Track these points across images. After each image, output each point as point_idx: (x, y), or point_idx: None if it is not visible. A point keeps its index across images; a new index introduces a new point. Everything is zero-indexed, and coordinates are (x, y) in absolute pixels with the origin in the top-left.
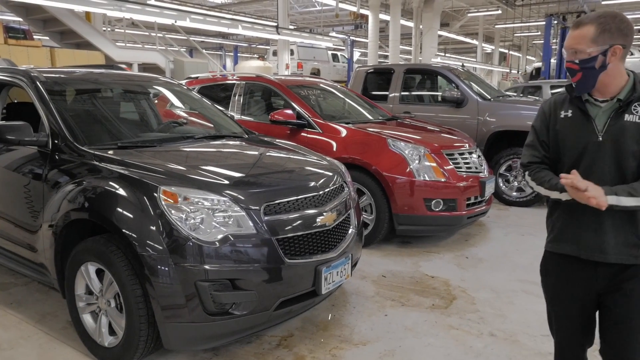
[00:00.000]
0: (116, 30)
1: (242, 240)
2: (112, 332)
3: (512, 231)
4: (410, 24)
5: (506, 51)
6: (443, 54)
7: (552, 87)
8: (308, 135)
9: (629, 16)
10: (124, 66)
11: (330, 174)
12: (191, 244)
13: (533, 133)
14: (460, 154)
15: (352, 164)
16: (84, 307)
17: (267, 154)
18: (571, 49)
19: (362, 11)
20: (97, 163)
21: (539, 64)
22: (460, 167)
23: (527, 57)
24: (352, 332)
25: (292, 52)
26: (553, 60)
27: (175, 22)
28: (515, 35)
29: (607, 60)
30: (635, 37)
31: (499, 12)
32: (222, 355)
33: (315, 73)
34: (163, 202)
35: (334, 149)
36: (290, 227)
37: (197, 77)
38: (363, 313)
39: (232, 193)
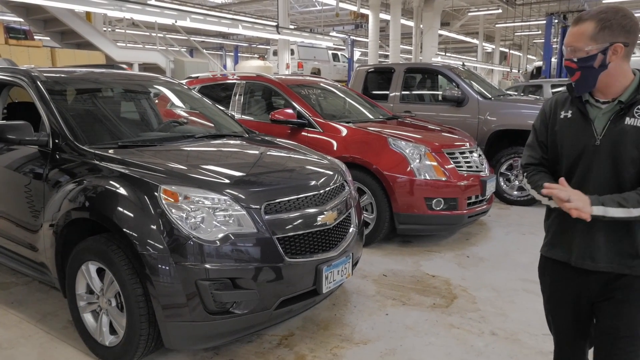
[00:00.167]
0: (117, 30)
1: (242, 239)
2: (113, 331)
3: (513, 230)
4: (411, 23)
5: (507, 50)
6: (443, 54)
7: (553, 86)
8: (309, 135)
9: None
10: (124, 66)
11: (331, 173)
12: (192, 243)
13: (533, 133)
14: (461, 153)
15: (353, 163)
16: (85, 306)
17: (268, 153)
18: (569, 47)
19: (363, 11)
20: (97, 162)
21: (539, 63)
22: (461, 166)
23: (528, 56)
24: (353, 331)
25: (292, 52)
26: (554, 59)
27: (176, 22)
28: (515, 34)
29: (607, 60)
30: None
31: (500, 11)
32: (222, 355)
33: (316, 73)
34: (164, 201)
35: (335, 148)
36: (290, 226)
37: (197, 77)
38: (364, 312)
39: (232, 192)
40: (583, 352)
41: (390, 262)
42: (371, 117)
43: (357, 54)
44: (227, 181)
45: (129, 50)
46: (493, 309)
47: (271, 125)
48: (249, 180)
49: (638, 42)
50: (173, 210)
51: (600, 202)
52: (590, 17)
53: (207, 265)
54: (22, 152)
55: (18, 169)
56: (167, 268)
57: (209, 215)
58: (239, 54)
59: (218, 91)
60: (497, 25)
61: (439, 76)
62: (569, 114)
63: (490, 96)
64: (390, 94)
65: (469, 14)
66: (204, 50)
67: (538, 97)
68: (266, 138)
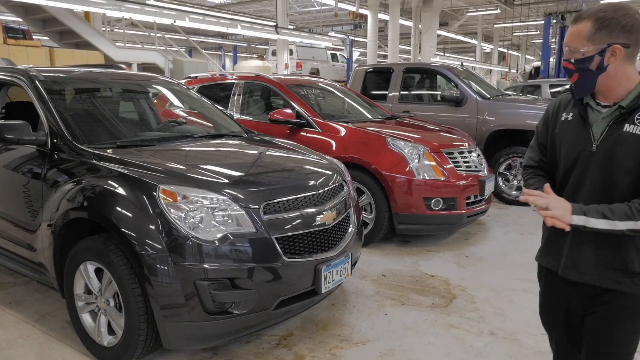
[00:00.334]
0: (115, 30)
1: (241, 239)
2: (111, 331)
3: (511, 230)
4: (410, 23)
5: (505, 50)
6: (442, 54)
7: (551, 87)
8: (307, 135)
9: None
10: (123, 66)
11: (330, 172)
12: (190, 243)
13: (535, 134)
14: (460, 153)
15: (352, 163)
16: (83, 306)
17: (267, 153)
18: (567, 47)
19: (361, 11)
20: (96, 162)
21: (538, 63)
22: (459, 166)
23: (526, 56)
24: (352, 331)
25: (291, 52)
26: (552, 60)
27: (175, 22)
28: (514, 34)
29: (605, 62)
30: None
31: (498, 11)
32: (221, 355)
33: (315, 73)
34: (162, 201)
35: (334, 148)
36: (289, 226)
37: (196, 77)
38: (363, 312)
39: (231, 192)
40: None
41: (389, 262)
42: (370, 117)
43: (355, 54)
44: (226, 181)
45: (128, 50)
46: (492, 308)
47: (270, 125)
48: (248, 180)
49: None
50: (172, 210)
51: (582, 212)
52: (588, 16)
53: (206, 265)
54: (21, 151)
55: (16, 168)
56: (166, 268)
57: (207, 215)
58: (237, 54)
59: (217, 91)
60: (495, 26)
61: (438, 76)
62: (570, 117)
63: (488, 96)
64: (389, 94)
65: (468, 14)
66: (203, 50)
67: (536, 97)
68: (265, 138)
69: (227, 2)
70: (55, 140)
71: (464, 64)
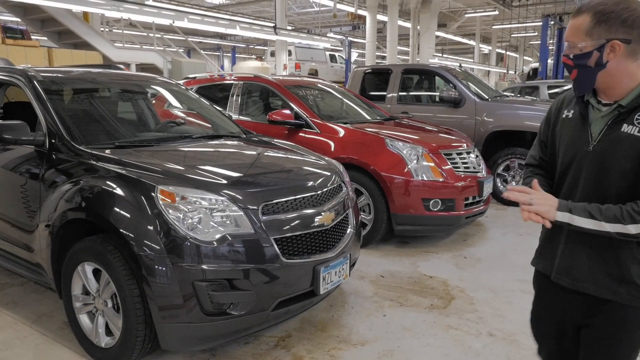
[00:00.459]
0: (114, 30)
1: (240, 240)
2: (109, 332)
3: (510, 231)
4: (408, 24)
5: (503, 52)
6: (440, 55)
7: (550, 88)
8: (306, 136)
9: None
10: (121, 66)
11: (329, 173)
12: (189, 243)
13: (538, 131)
14: (458, 154)
15: (350, 164)
16: (81, 307)
17: (265, 153)
18: (567, 42)
19: (360, 12)
20: (94, 162)
21: (536, 65)
22: (458, 167)
23: (525, 57)
24: (350, 332)
25: (289, 53)
26: (550, 61)
27: (173, 22)
28: (512, 35)
29: (603, 58)
30: None
31: (496, 12)
32: (219, 356)
33: (313, 73)
34: (161, 202)
35: (332, 149)
36: (288, 226)
37: (195, 78)
38: (361, 313)
39: (230, 193)
40: None
41: (388, 263)
42: (368, 118)
43: (354, 55)
44: (224, 182)
45: (127, 51)
46: (491, 309)
47: (269, 126)
48: (247, 181)
49: None
50: (170, 211)
51: (568, 209)
52: (587, 10)
53: (204, 266)
54: (19, 152)
55: (14, 169)
56: (164, 269)
57: (206, 215)
58: (236, 55)
59: (215, 92)
60: (493, 27)
61: (436, 77)
62: (570, 114)
63: (487, 97)
64: (388, 95)
65: (466, 15)
66: (202, 51)
67: (534, 98)
68: (264, 139)
69: (225, 2)
70: (53, 141)
71: (462, 65)
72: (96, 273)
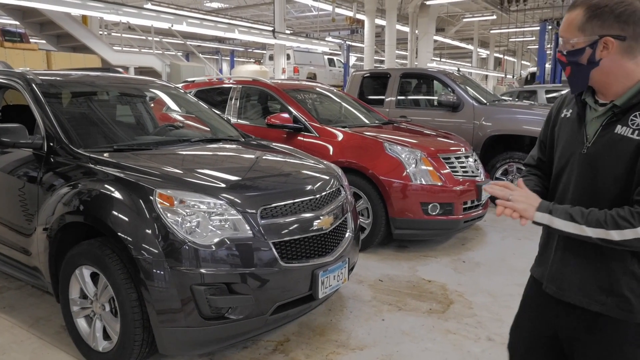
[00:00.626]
0: (113, 34)
1: (238, 243)
2: (106, 336)
3: (509, 235)
4: (406, 29)
5: (501, 56)
6: (439, 59)
7: (547, 92)
8: (305, 139)
9: None
10: (120, 70)
11: (327, 177)
12: (187, 247)
13: (540, 131)
14: (457, 158)
15: (349, 167)
16: (78, 311)
17: (264, 157)
18: (560, 37)
19: (358, 16)
20: (92, 166)
21: (533, 69)
22: (456, 171)
23: (522, 62)
24: (349, 336)
25: (288, 57)
26: (548, 65)
27: (172, 26)
28: (510, 40)
29: (596, 56)
30: None
31: (494, 17)
32: None
33: (312, 77)
34: (159, 205)
35: (331, 153)
36: (286, 230)
37: (193, 81)
38: (360, 317)
39: (228, 196)
40: None
41: (386, 267)
42: (367, 121)
43: (352, 59)
44: (223, 185)
45: (125, 54)
46: (489, 314)
47: (267, 130)
48: (245, 185)
49: None
50: (168, 215)
51: (548, 210)
52: (581, 3)
53: (203, 270)
54: (17, 155)
55: (12, 172)
56: (162, 273)
57: (204, 219)
58: (235, 59)
59: (214, 95)
60: (491, 31)
61: (435, 81)
62: (569, 114)
63: (485, 101)
64: (386, 99)
65: (464, 19)
66: (200, 55)
67: (532, 102)
68: (262, 142)
69: (224, 6)
70: (51, 144)
71: (460, 69)
72: (94, 277)
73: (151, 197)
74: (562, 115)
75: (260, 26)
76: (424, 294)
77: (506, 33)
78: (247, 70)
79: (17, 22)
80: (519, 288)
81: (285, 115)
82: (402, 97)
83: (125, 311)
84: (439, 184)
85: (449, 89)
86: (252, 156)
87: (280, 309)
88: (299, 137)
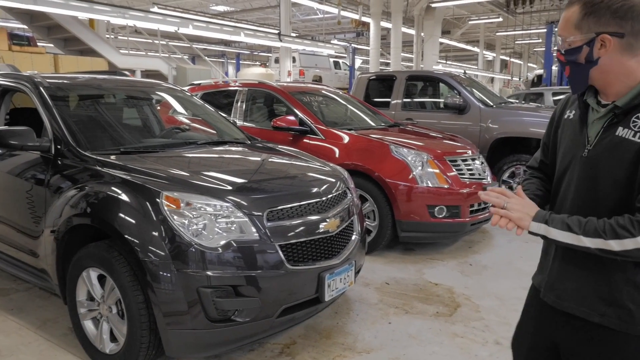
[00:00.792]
0: (119, 37)
1: (244, 246)
2: (113, 338)
3: (516, 238)
4: (412, 31)
5: (507, 58)
6: (444, 62)
7: (554, 94)
8: (310, 142)
9: None
10: (127, 73)
11: (333, 180)
12: (193, 249)
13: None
14: (463, 161)
15: (355, 170)
16: (85, 313)
17: (270, 160)
18: (558, 36)
19: (364, 19)
20: (99, 168)
21: (540, 71)
22: (463, 174)
23: (529, 64)
24: (355, 340)
25: (294, 60)
26: (554, 67)
27: (178, 29)
28: (516, 42)
29: (594, 54)
30: None
31: (500, 19)
32: None
33: (317, 80)
34: (165, 208)
35: (337, 156)
36: (293, 233)
37: (199, 84)
38: (366, 321)
39: (234, 199)
40: None
41: (393, 270)
42: (373, 124)
43: (358, 62)
44: (229, 188)
45: (132, 57)
46: (497, 317)
47: (273, 132)
48: (251, 187)
49: None
50: (175, 217)
51: (545, 220)
52: (577, 0)
53: (209, 273)
54: (24, 157)
55: (20, 174)
56: (169, 275)
57: (210, 222)
58: (240, 62)
59: (220, 98)
60: (497, 34)
61: (441, 84)
62: (572, 115)
63: (492, 104)
64: (392, 102)
65: (470, 22)
66: (206, 58)
67: (539, 105)
68: (268, 145)
69: (230, 10)
70: (59, 147)
71: (466, 71)
72: (101, 279)
73: (158, 200)
74: (565, 116)
75: (266, 29)
76: (430, 297)
77: (512, 35)
78: (253, 73)
79: (25, 26)
80: (527, 292)
81: (291, 117)
82: (408, 100)
83: (132, 313)
84: (446, 186)
85: (455, 92)
86: (258, 159)
87: (286, 311)
88: (304, 140)
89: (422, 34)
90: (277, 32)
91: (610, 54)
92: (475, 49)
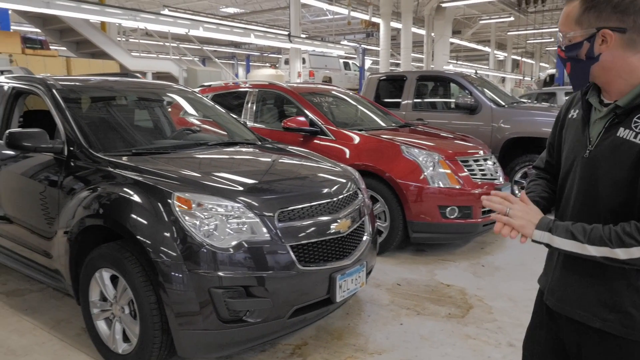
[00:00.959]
0: (131, 40)
1: (256, 246)
2: (126, 339)
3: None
4: (422, 31)
5: (519, 58)
6: (455, 62)
7: (567, 94)
8: (321, 143)
9: None
10: (138, 75)
11: (344, 180)
12: (205, 250)
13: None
14: (475, 161)
15: (366, 170)
16: (98, 313)
17: (281, 160)
18: (559, 32)
19: (374, 19)
20: (111, 169)
21: (552, 71)
22: (475, 174)
23: (541, 64)
24: (367, 341)
25: (303, 61)
26: None
27: (189, 31)
28: (528, 42)
29: (594, 50)
30: None
31: (512, 19)
32: None
33: (327, 81)
34: (177, 209)
35: (347, 156)
36: (304, 233)
37: (210, 85)
38: (378, 322)
39: (246, 199)
40: None
41: (404, 271)
42: (383, 124)
43: (368, 63)
44: (240, 188)
45: (143, 60)
46: (510, 319)
47: (283, 133)
48: (262, 188)
49: None
50: (186, 218)
51: (548, 228)
52: None
53: (221, 273)
54: (38, 159)
55: (33, 176)
56: (181, 275)
57: (222, 222)
58: (250, 63)
59: (230, 99)
60: (509, 33)
61: (452, 84)
62: (575, 115)
63: (503, 104)
64: (403, 102)
65: (481, 22)
66: (217, 60)
67: (551, 104)
68: (279, 146)
69: (240, 11)
70: (71, 148)
71: (477, 71)
72: (113, 279)
73: (169, 201)
74: (570, 116)
75: (276, 30)
76: (442, 299)
77: (524, 35)
78: (263, 74)
79: (38, 30)
80: None
81: (302, 118)
82: (419, 100)
83: (144, 314)
84: (457, 187)
85: (467, 92)
86: (269, 159)
87: (298, 312)
88: (315, 141)
89: (433, 34)
90: (287, 33)
91: (611, 50)
92: (487, 49)
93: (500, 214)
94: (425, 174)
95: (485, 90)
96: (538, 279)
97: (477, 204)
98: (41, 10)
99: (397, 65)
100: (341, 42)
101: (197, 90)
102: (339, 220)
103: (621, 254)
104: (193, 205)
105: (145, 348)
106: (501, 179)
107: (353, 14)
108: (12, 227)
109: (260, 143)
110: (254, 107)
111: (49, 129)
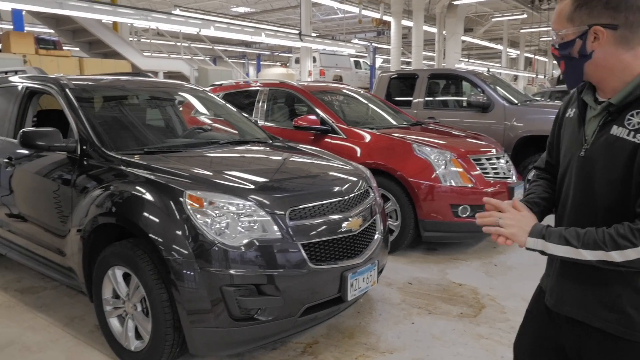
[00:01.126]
0: (142, 40)
1: (267, 245)
2: (138, 336)
3: None
4: (433, 29)
5: (532, 56)
6: (467, 60)
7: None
8: (332, 141)
9: None
10: (150, 74)
11: (355, 179)
12: (217, 248)
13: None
14: (488, 159)
15: (377, 169)
16: (111, 311)
17: (292, 159)
18: (552, 30)
19: (385, 17)
20: (124, 168)
21: None
22: (487, 173)
23: (554, 61)
24: (378, 339)
25: (314, 60)
26: None
27: (200, 31)
28: (541, 39)
29: (587, 47)
30: None
31: (524, 16)
32: None
33: (338, 80)
34: (189, 207)
35: (358, 155)
36: (315, 232)
37: (221, 84)
38: (389, 321)
39: (257, 198)
40: None
41: (416, 269)
42: (395, 123)
43: (378, 61)
44: (251, 187)
45: (155, 59)
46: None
47: (294, 132)
48: (274, 186)
49: None
50: (198, 216)
51: (541, 235)
52: None
53: (232, 271)
54: (51, 158)
55: (47, 175)
56: (192, 273)
57: (233, 220)
58: (261, 62)
59: (241, 98)
60: (521, 31)
61: (463, 82)
62: (572, 113)
63: (516, 102)
64: (414, 100)
65: (493, 19)
66: (227, 59)
67: None
68: (289, 144)
69: (251, 11)
70: (84, 147)
71: (490, 69)
72: (126, 277)
73: (181, 199)
74: (567, 114)
75: (287, 29)
76: (454, 298)
77: (537, 32)
78: (274, 73)
79: (52, 30)
80: None
81: (313, 117)
82: (430, 98)
83: (156, 311)
84: (470, 185)
85: (479, 89)
86: (280, 158)
87: (309, 310)
88: (326, 139)
89: (444, 32)
90: (297, 32)
91: (604, 47)
92: (499, 47)
93: (491, 225)
94: (437, 172)
95: (498, 88)
96: (541, 278)
97: None
98: (54, 10)
99: (408, 63)
100: (352, 41)
101: (208, 89)
102: (350, 219)
103: (617, 256)
104: (205, 204)
105: (158, 345)
106: (514, 178)
107: (364, 12)
108: (26, 225)
109: (271, 141)
110: (265, 106)
111: (62, 128)
